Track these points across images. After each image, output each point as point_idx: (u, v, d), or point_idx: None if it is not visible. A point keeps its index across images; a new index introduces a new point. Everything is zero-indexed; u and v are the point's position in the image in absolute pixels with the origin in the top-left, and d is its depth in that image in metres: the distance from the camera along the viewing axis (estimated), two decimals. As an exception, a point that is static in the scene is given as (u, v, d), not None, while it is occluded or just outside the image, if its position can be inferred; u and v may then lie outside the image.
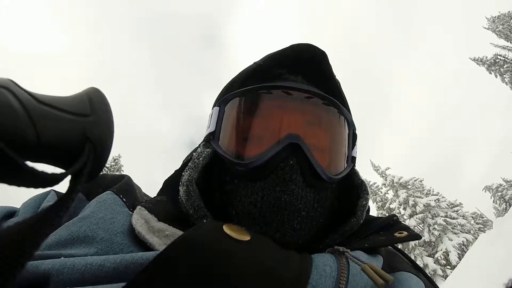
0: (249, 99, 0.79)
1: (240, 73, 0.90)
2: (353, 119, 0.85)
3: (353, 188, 0.83)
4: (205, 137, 0.83)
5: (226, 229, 0.57)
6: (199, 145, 0.86)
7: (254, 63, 0.88)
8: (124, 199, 0.74)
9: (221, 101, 0.82)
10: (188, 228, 0.59)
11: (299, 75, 0.89)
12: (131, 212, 0.71)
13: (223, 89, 0.92)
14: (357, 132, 0.86)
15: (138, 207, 0.70)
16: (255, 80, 0.86)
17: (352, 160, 0.83)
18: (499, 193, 25.40)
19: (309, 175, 0.72)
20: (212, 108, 0.85)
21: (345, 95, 0.91)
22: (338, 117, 0.81)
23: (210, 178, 0.80)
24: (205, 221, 0.70)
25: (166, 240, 0.62)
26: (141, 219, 0.66)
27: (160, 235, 0.63)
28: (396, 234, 0.72)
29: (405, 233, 0.72)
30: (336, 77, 0.90)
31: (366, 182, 0.84)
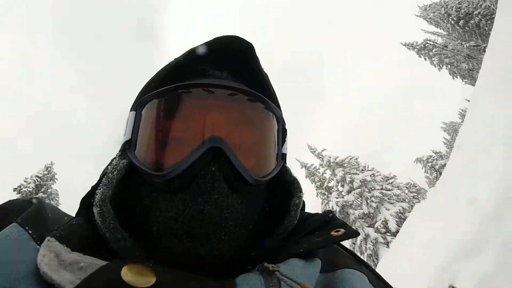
0: (166, 101, 0.74)
1: (158, 72, 0.83)
2: (282, 114, 0.82)
3: (285, 186, 0.80)
4: (121, 147, 0.78)
5: (126, 273, 0.54)
6: (116, 155, 0.80)
7: (174, 59, 0.83)
8: (31, 231, 0.66)
9: (137, 104, 0.76)
10: (107, 254, 0.60)
11: (224, 70, 0.84)
12: (38, 247, 0.63)
13: (140, 91, 0.84)
14: (291, 123, 0.86)
15: (47, 238, 0.63)
16: (175, 79, 0.78)
17: (282, 157, 0.80)
18: (430, 164, 27.97)
19: (234, 180, 0.68)
20: (129, 113, 0.79)
21: (274, 89, 0.87)
22: (266, 113, 0.79)
23: (129, 193, 0.74)
24: (106, 263, 0.59)
25: (81, 273, 0.56)
26: (49, 253, 0.60)
27: (73, 268, 0.57)
28: (333, 233, 0.71)
29: (342, 230, 0.71)
30: (264, 70, 0.85)
31: (298, 179, 0.82)
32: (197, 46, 0.83)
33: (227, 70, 0.85)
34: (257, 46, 0.84)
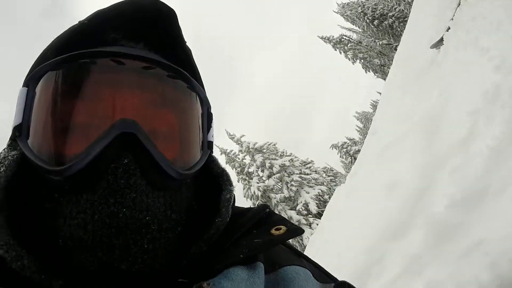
0: (64, 74, 0.59)
1: (57, 38, 0.67)
2: (207, 95, 0.70)
3: (213, 179, 0.71)
4: (11, 134, 0.62)
5: None
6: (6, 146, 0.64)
7: (78, 22, 0.67)
8: None
9: (29, 78, 0.60)
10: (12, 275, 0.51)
11: (140, 41, 0.70)
12: None
13: (35, 61, 0.68)
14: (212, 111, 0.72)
15: None
16: (78, 47, 0.63)
17: (208, 145, 0.69)
18: (345, 149, 29.58)
19: (154, 174, 0.57)
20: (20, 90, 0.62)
21: (198, 67, 0.76)
22: (189, 93, 0.67)
23: (26, 194, 0.58)
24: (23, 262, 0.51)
25: None
26: None
27: None
28: (273, 231, 0.64)
29: (284, 228, 0.64)
30: (187, 43, 0.74)
31: (226, 171, 0.72)
32: (107, 8, 0.69)
33: (143, 41, 0.71)
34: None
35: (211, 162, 0.72)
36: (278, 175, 21.53)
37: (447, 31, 6.49)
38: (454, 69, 5.19)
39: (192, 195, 0.67)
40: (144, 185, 0.56)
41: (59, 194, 0.56)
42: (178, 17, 0.71)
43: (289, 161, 22.32)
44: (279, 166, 21.70)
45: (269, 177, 21.71)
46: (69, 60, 0.59)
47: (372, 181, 5.98)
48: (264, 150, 23.21)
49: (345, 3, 29.99)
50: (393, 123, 7.31)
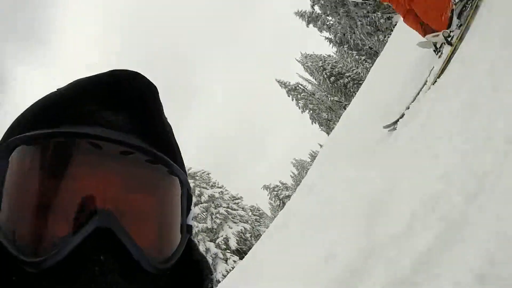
0: (37, 152, 0.56)
1: (33, 106, 0.65)
2: (187, 174, 0.67)
3: (191, 264, 0.66)
4: None
5: None
6: None
7: (57, 89, 0.66)
8: None
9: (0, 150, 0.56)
10: None
11: (119, 114, 0.67)
12: None
13: (7, 130, 0.65)
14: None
15: None
16: (54, 119, 0.62)
17: (187, 229, 0.66)
18: (275, 192, 30.78)
19: (132, 271, 0.53)
20: None
21: (177, 142, 0.73)
22: (169, 178, 0.63)
23: None
24: None
25: None
26: None
27: None
28: None
29: None
30: (167, 119, 0.71)
31: (206, 257, 0.68)
32: (86, 78, 0.67)
33: (122, 114, 0.68)
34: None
35: (191, 247, 0.68)
36: (205, 204, 21.75)
37: (401, 117, 6.68)
38: (402, 160, 5.41)
39: (171, 285, 0.63)
40: (121, 283, 0.52)
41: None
42: (159, 92, 0.69)
43: (219, 193, 22.75)
44: (208, 196, 21.99)
45: (196, 204, 21.78)
46: (39, 137, 0.56)
47: (306, 244, 6.01)
48: (197, 177, 23.44)
49: (308, 54, 31.73)
50: (335, 188, 7.42)
